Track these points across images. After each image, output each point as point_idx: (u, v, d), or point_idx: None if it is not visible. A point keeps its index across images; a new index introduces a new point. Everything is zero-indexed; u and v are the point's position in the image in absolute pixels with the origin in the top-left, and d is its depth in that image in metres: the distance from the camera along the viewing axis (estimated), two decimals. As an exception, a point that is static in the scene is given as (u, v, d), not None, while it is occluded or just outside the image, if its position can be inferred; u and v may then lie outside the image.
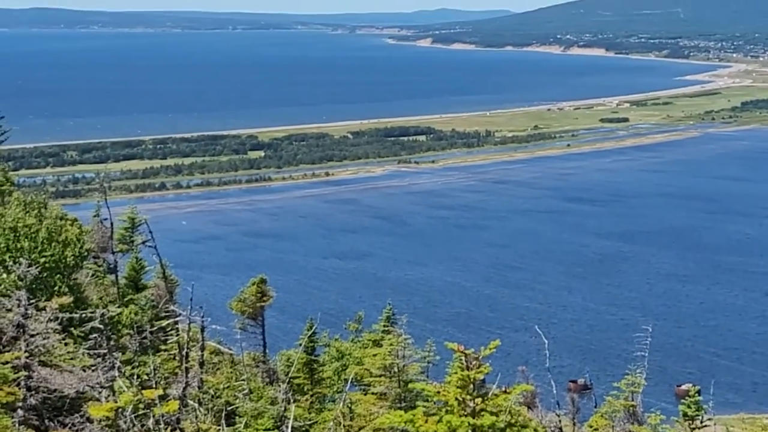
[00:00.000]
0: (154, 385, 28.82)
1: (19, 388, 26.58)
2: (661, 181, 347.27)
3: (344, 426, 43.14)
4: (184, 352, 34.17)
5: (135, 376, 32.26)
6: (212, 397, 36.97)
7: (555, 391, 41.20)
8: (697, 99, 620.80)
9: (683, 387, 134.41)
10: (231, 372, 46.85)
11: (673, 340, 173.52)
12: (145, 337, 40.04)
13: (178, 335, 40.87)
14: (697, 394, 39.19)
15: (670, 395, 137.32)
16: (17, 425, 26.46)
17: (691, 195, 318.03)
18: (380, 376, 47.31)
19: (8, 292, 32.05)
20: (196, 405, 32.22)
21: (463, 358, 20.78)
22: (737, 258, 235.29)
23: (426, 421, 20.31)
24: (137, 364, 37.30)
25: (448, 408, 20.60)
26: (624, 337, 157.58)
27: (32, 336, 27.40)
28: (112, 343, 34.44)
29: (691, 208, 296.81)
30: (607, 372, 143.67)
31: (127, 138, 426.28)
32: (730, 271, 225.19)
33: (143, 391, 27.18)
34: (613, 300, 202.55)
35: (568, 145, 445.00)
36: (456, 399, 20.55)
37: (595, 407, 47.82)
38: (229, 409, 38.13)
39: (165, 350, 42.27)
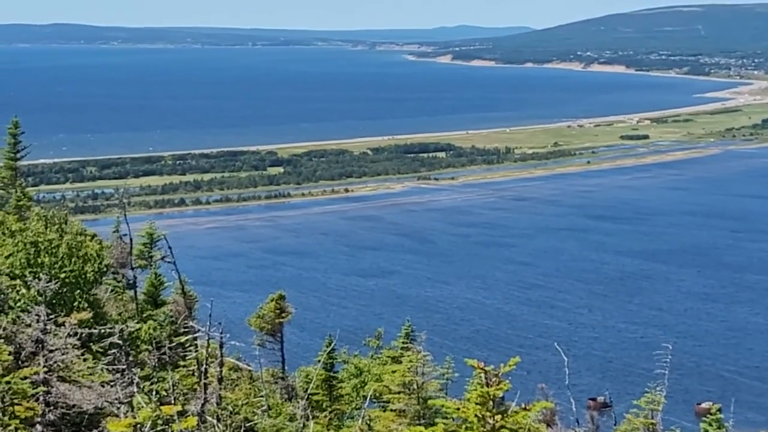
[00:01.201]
0: (172, 401, 28.72)
1: (38, 404, 26.56)
2: (682, 198, 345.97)
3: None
4: (202, 368, 34.10)
5: (154, 392, 32.24)
6: (231, 413, 36.87)
7: (574, 409, 40.96)
8: (718, 116, 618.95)
9: (704, 405, 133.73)
10: (250, 388, 46.78)
11: (693, 358, 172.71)
12: (163, 353, 40.00)
13: (196, 351, 40.84)
14: (718, 412, 38.93)
15: (691, 414, 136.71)
16: (36, 440, 26.46)
17: (712, 213, 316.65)
18: (399, 392, 47.17)
19: (28, 307, 32.10)
20: (215, 421, 32.17)
21: (482, 374, 20.67)
22: (759, 276, 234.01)
23: (445, 439, 20.20)
24: (156, 379, 37.27)
25: (468, 425, 20.48)
26: (644, 355, 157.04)
27: (51, 351, 27.39)
28: (130, 358, 34.44)
29: (713, 226, 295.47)
30: (626, 390, 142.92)
31: (146, 154, 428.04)
32: (752, 289, 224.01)
33: (162, 407, 27.07)
34: (634, 318, 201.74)
35: (588, 162, 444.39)
36: (476, 416, 20.43)
37: (615, 425, 47.53)
38: (247, 425, 38.02)
39: (184, 366, 42.22)
